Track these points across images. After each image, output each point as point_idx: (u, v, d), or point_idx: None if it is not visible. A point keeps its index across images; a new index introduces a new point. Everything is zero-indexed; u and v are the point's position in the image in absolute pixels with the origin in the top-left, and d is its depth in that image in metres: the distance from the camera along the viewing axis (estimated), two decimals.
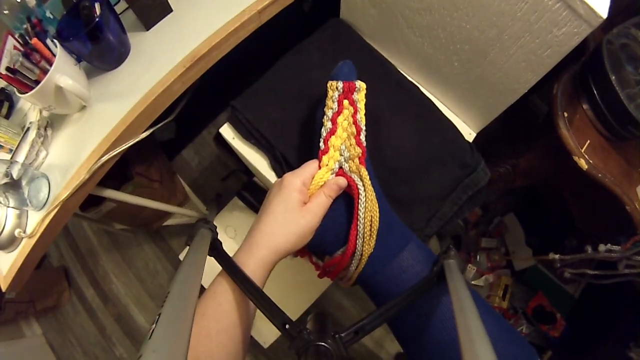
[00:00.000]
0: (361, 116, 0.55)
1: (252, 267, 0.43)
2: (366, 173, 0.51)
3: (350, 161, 0.53)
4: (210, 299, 0.42)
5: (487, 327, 0.30)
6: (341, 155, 0.53)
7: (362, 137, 0.54)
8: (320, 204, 0.48)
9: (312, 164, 0.52)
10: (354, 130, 0.54)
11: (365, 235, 0.48)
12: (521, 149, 0.99)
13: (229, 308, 0.42)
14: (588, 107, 0.80)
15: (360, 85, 0.55)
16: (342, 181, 0.50)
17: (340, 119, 0.54)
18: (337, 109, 0.55)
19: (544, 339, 1.34)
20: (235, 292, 0.42)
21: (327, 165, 0.52)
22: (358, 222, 0.48)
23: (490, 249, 1.47)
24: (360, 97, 0.55)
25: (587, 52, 0.81)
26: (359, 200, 0.48)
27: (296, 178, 0.49)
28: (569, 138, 0.76)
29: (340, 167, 0.53)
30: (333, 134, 0.54)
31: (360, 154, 0.53)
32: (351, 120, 0.55)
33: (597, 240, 0.85)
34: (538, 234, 1.40)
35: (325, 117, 0.55)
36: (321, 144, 0.54)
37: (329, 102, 0.56)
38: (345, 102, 0.55)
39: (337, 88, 0.56)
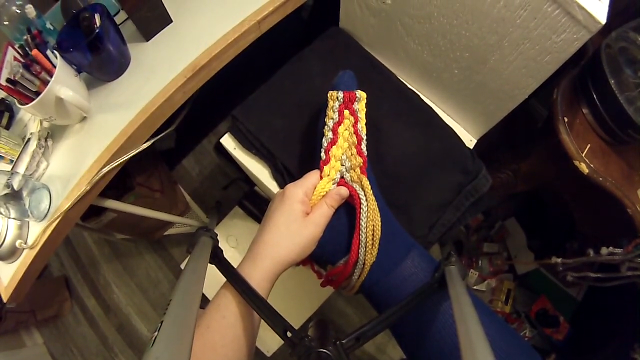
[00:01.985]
0: (362, 125, 0.55)
1: (257, 278, 0.43)
2: (367, 182, 0.51)
3: (351, 171, 0.53)
4: (214, 311, 0.42)
5: (489, 332, 0.30)
6: (342, 165, 0.53)
7: (363, 146, 0.54)
8: (322, 215, 0.48)
9: (313, 175, 0.52)
10: (355, 139, 0.54)
11: (368, 244, 0.48)
12: (522, 154, 0.99)
13: (233, 320, 0.42)
14: (588, 111, 0.80)
15: (361, 94, 0.55)
16: (344, 191, 0.50)
17: (341, 128, 0.54)
18: (337, 119, 0.55)
19: (547, 342, 1.33)
20: (240, 304, 0.42)
21: (328, 175, 0.52)
22: (360, 232, 0.48)
23: (492, 253, 1.47)
24: (360, 106, 0.56)
25: (586, 56, 0.81)
26: (361, 210, 0.48)
27: (298, 189, 0.49)
28: (569, 142, 0.76)
29: (342, 177, 0.53)
30: (334, 144, 0.54)
31: (361, 164, 0.53)
32: (352, 129, 0.55)
33: (598, 243, 0.85)
34: (540, 238, 1.40)
35: (326, 127, 0.55)
36: (322, 154, 0.54)
37: (329, 112, 0.56)
38: (346, 112, 0.55)
39: (337, 98, 0.56)
